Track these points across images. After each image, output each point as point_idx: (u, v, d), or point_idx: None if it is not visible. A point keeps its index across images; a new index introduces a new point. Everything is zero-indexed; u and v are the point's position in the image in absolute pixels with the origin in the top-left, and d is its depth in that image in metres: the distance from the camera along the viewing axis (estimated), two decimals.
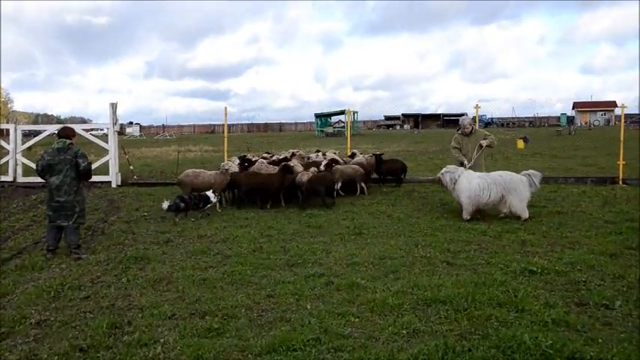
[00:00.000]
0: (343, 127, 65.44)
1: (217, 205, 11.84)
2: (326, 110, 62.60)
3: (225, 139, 17.92)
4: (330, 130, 66.31)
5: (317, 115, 67.19)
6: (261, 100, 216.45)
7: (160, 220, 10.94)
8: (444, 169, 10.59)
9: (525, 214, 9.89)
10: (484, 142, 11.11)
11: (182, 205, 10.57)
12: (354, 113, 62.58)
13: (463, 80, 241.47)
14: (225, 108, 17.61)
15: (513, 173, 10.23)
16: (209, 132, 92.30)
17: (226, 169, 11.99)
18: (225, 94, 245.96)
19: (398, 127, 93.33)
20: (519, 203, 9.88)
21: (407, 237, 8.94)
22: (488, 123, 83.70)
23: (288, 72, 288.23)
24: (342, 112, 62.76)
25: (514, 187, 9.87)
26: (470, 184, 10.11)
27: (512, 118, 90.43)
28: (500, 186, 9.93)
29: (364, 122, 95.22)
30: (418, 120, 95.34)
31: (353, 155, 15.43)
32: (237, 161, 13.75)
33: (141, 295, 6.24)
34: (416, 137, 50.55)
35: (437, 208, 11.87)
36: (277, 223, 10.29)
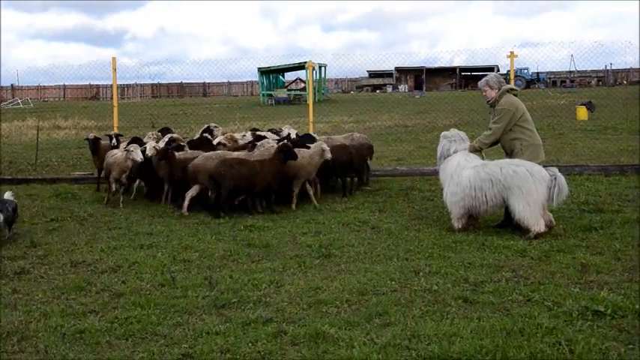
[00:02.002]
0: (304, 89, 65.60)
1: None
2: (277, 64, 62.39)
3: (115, 110, 17.71)
4: (282, 94, 66.41)
5: (262, 72, 67.12)
6: (173, 47, 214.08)
7: (9, 239, 10.72)
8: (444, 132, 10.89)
9: (536, 226, 9.95)
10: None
11: None
12: (319, 67, 62.77)
13: (496, 13, 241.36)
14: (114, 59, 17.42)
15: (524, 163, 10.27)
16: (90, 98, 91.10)
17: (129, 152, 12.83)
18: (116, 37, 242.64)
19: (390, 89, 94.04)
20: (526, 208, 9.94)
21: (402, 260, 8.95)
22: (531, 81, 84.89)
23: (218, 3, 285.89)
24: (301, 67, 62.81)
25: (519, 185, 9.97)
26: (459, 175, 10.33)
27: (571, 72, 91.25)
28: (500, 184, 10.06)
29: (336, 82, 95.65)
30: (421, 77, 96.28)
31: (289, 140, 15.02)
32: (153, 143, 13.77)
33: None
34: (418, 104, 51.01)
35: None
36: (199, 241, 10.19)
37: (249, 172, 11.90)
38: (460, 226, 10.46)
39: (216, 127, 16.53)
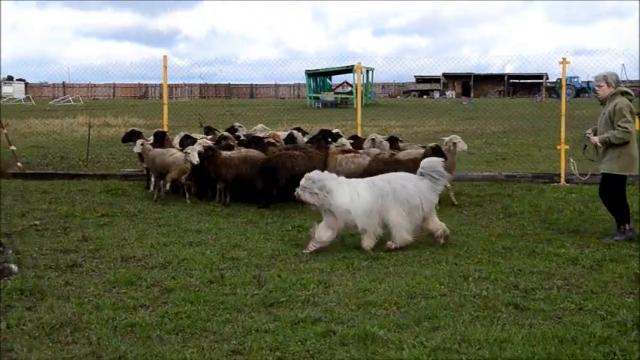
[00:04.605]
0: (351, 92, 65.54)
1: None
2: (325, 66, 62.49)
3: (165, 108, 17.86)
4: (329, 97, 66.33)
5: (310, 74, 67.14)
6: (224, 48, 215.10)
7: (62, 231, 10.87)
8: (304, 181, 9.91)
9: (399, 241, 9.71)
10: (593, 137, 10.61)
11: None
12: (367, 71, 62.64)
13: (550, 20, 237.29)
14: (165, 58, 17.52)
15: (409, 176, 10.08)
16: (139, 97, 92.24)
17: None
18: (169, 37, 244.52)
19: (437, 95, 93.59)
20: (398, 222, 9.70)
21: (451, 265, 8.93)
22: (581, 89, 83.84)
23: (270, 5, 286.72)
24: (348, 70, 62.71)
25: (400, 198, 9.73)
26: (362, 195, 9.77)
27: (624, 81, 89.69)
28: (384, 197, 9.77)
29: (383, 86, 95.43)
30: (469, 83, 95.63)
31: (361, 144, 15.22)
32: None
33: (30, 349, 6.15)
34: (465, 110, 50.68)
35: (498, 220, 11.87)
36: (247, 240, 10.26)
37: (405, 170, 12.01)
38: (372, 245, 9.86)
39: (240, 126, 16.70)
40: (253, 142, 14.17)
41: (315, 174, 9.83)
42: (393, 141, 14.76)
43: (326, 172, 10.39)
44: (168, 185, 13.45)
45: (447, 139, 13.61)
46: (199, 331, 6.57)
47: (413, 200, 9.70)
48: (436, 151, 12.55)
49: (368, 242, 9.74)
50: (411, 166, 11.56)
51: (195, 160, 12.67)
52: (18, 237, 10.46)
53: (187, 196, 13.53)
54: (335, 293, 7.68)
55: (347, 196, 9.64)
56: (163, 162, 13.45)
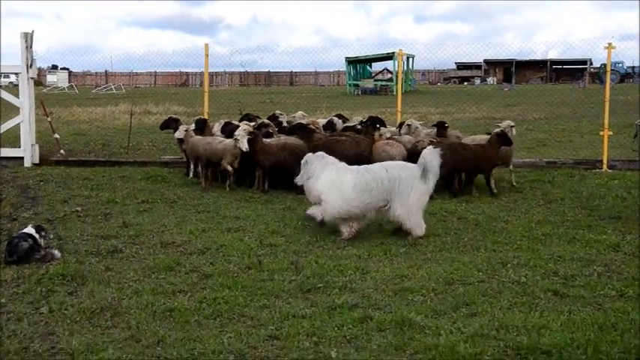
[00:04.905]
0: (390, 79, 65.27)
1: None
2: (365, 54, 62.27)
3: (205, 96, 17.97)
4: (369, 84, 66.07)
5: (350, 61, 67.00)
6: (265, 36, 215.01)
7: (103, 217, 11.02)
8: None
9: (417, 230, 9.59)
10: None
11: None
12: (407, 58, 62.30)
13: (594, 5, 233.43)
14: (206, 46, 17.63)
15: (407, 165, 10.05)
16: (179, 85, 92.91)
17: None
18: (211, 25, 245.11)
19: (477, 81, 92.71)
20: (406, 211, 9.54)
21: (489, 251, 8.90)
22: (626, 75, 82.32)
23: None
24: (388, 57, 62.46)
25: (401, 187, 9.56)
26: (341, 182, 9.64)
27: None
28: (383, 185, 9.58)
29: (423, 73, 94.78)
30: (510, 70, 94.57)
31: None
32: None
33: (71, 333, 6.25)
34: (507, 96, 50.19)
35: (538, 206, 11.78)
36: (285, 226, 10.31)
37: (472, 156, 12.56)
38: (349, 236, 9.71)
39: (281, 114, 16.72)
40: (298, 129, 14.11)
41: (311, 156, 10.06)
42: (441, 127, 14.69)
43: (320, 153, 10.23)
44: (229, 168, 13.20)
45: (503, 124, 13.66)
46: (237, 316, 6.62)
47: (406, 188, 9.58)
48: (502, 137, 12.72)
49: (342, 230, 9.72)
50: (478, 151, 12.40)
51: (245, 146, 12.69)
52: (60, 223, 10.62)
53: (227, 182, 13.54)
54: (372, 279, 7.69)
55: (328, 182, 9.63)
56: (212, 149, 13.42)
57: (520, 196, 12.68)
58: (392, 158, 12.07)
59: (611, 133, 16.23)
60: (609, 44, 16.66)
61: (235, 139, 12.93)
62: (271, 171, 13.26)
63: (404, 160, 11.79)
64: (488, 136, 13.10)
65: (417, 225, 9.59)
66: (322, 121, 16.14)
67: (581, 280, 7.61)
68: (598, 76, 69.25)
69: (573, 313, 6.58)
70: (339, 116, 16.72)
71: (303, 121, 15.40)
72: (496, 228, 10.20)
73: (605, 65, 18.01)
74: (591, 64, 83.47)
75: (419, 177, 9.57)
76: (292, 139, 13.55)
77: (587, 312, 6.60)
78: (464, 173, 13.07)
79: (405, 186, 9.49)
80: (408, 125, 14.83)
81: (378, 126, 14.37)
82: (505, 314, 6.55)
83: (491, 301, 6.94)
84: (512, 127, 13.55)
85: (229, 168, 13.21)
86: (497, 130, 13.17)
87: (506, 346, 5.81)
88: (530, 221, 10.61)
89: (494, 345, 5.85)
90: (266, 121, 15.50)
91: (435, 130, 14.59)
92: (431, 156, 9.68)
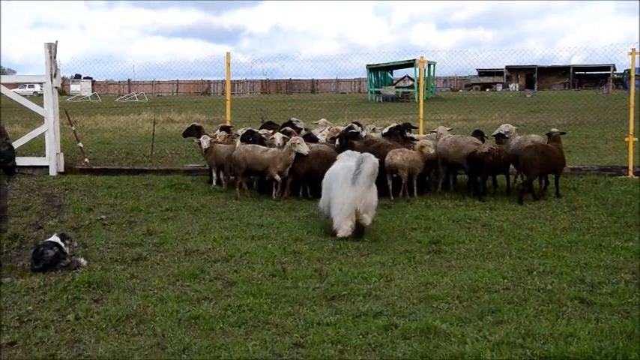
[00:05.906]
0: (412, 86, 65.19)
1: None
2: (386, 61, 62.20)
3: (227, 104, 18.02)
4: (390, 91, 66.05)
5: (371, 69, 67.00)
6: (286, 44, 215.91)
7: (127, 225, 11.08)
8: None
9: (340, 232, 9.81)
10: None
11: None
12: (429, 65, 62.18)
13: (619, 10, 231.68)
14: (228, 54, 17.71)
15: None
16: (201, 93, 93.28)
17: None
18: (233, 34, 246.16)
19: (499, 88, 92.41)
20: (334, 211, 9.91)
21: (514, 258, 8.85)
22: None
23: (333, 1, 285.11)
24: (409, 64, 62.41)
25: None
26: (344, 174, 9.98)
27: None
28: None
29: (445, 80, 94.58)
30: (532, 76, 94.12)
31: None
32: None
33: (97, 340, 6.29)
34: (529, 103, 49.89)
35: (563, 213, 11.68)
36: (309, 234, 10.30)
37: (560, 156, 13.16)
38: (345, 234, 9.92)
39: (297, 121, 16.69)
40: (348, 136, 13.65)
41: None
42: (476, 135, 14.81)
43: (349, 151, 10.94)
44: (278, 177, 13.00)
45: (554, 130, 14.02)
46: (262, 323, 6.62)
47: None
48: (555, 139, 13.42)
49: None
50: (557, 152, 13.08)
51: (306, 150, 12.64)
52: (85, 231, 10.70)
53: (275, 192, 13.28)
54: (396, 287, 7.67)
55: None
56: (257, 158, 13.09)
57: (544, 203, 12.59)
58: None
59: (636, 139, 16.11)
60: (633, 49, 16.54)
61: (292, 143, 12.77)
62: (305, 179, 13.25)
63: None
64: (547, 137, 13.75)
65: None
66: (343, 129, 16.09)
67: (608, 287, 7.54)
68: (622, 81, 68.69)
69: (601, 321, 6.53)
70: (357, 124, 16.69)
71: (323, 129, 15.47)
72: (521, 235, 10.13)
73: (628, 71, 17.89)
74: (615, 69, 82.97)
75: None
76: (324, 147, 13.53)
77: (615, 320, 6.54)
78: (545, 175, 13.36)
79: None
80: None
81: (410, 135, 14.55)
82: (531, 322, 6.51)
83: (517, 309, 6.90)
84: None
85: (278, 177, 12.99)
86: (554, 130, 13.77)
87: (532, 355, 5.77)
88: (555, 228, 10.53)
89: (521, 353, 5.81)
90: (288, 128, 15.46)
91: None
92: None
